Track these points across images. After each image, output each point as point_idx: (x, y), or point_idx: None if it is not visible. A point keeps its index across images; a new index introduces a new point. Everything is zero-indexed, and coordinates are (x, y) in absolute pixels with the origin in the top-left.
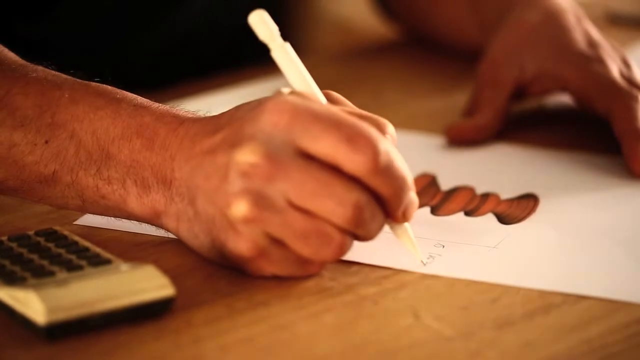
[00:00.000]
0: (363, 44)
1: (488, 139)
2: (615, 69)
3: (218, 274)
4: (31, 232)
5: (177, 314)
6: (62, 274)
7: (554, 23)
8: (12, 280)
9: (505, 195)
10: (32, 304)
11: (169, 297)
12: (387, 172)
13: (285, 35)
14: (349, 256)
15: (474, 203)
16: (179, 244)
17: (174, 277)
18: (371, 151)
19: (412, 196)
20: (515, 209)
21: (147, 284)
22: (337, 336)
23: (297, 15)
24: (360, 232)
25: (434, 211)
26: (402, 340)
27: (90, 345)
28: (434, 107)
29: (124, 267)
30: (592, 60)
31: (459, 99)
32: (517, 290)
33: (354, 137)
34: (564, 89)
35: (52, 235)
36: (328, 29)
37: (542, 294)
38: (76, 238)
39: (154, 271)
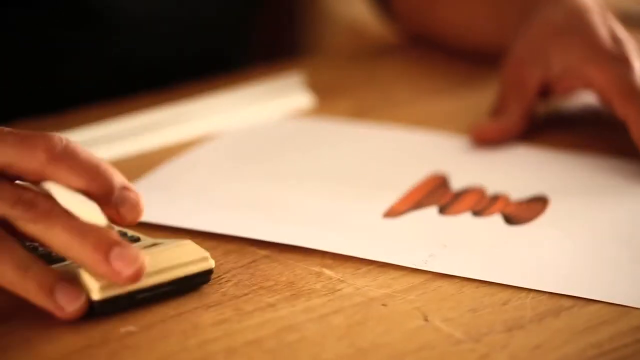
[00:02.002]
0: (372, 45)
1: (512, 140)
2: (638, 69)
3: (226, 276)
4: None
5: (184, 316)
6: None
7: (580, 21)
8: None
9: (515, 196)
10: (84, 282)
11: (210, 269)
12: (67, 160)
13: (294, 37)
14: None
15: (482, 204)
16: None
17: None
18: (43, 144)
19: (126, 194)
20: (524, 211)
21: (190, 257)
22: (346, 338)
23: (306, 16)
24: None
25: (442, 211)
26: (412, 343)
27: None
28: (445, 107)
29: (161, 242)
30: (616, 60)
31: (470, 98)
32: (527, 292)
33: (23, 140)
34: (588, 87)
35: None
36: (337, 30)
37: (552, 296)
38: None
39: (194, 245)
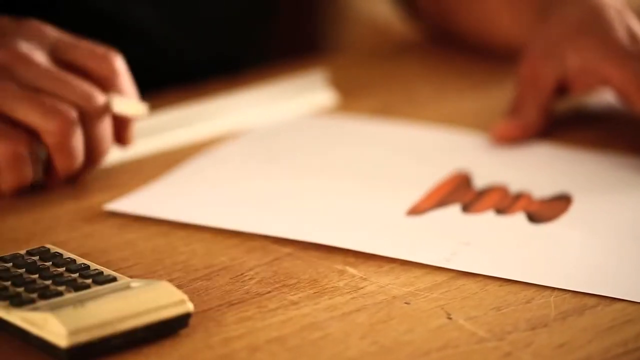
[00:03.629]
0: (394, 43)
1: (532, 138)
2: None
3: (249, 273)
4: (22, 252)
5: (207, 314)
6: (70, 294)
7: (597, 18)
8: (20, 302)
9: (538, 194)
10: (51, 327)
11: (188, 313)
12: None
13: (316, 34)
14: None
15: (505, 202)
16: (209, 243)
17: (205, 276)
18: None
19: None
20: (547, 209)
21: (166, 300)
22: (369, 336)
23: (329, 14)
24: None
25: (465, 209)
26: (435, 341)
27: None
28: (468, 105)
29: (136, 283)
30: (633, 57)
31: (493, 96)
32: (550, 291)
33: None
34: (606, 85)
35: (45, 253)
36: (359, 27)
37: (576, 295)
38: (71, 255)
39: (170, 287)
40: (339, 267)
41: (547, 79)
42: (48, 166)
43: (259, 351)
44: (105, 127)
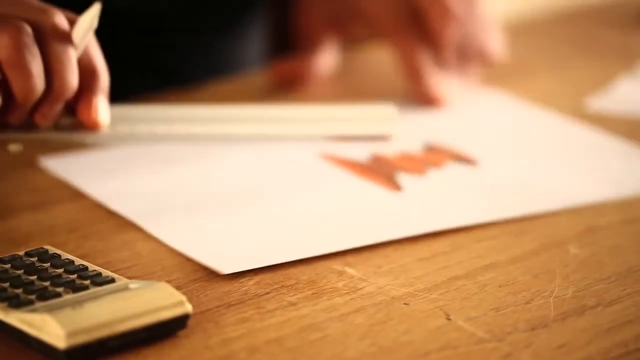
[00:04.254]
0: None
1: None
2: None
3: (248, 274)
4: (21, 253)
5: (206, 315)
6: (68, 295)
7: None
8: (18, 304)
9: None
10: (49, 328)
11: (186, 314)
12: None
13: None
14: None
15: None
16: None
17: (203, 277)
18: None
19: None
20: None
21: (164, 302)
22: (368, 337)
23: None
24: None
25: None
26: (434, 342)
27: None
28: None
29: (135, 285)
30: None
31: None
32: (550, 291)
33: None
34: (369, 21)
35: (44, 254)
36: None
37: (576, 295)
38: (70, 256)
39: (169, 288)
40: (338, 267)
41: (318, 24)
42: (7, 100)
43: (258, 352)
44: (66, 50)
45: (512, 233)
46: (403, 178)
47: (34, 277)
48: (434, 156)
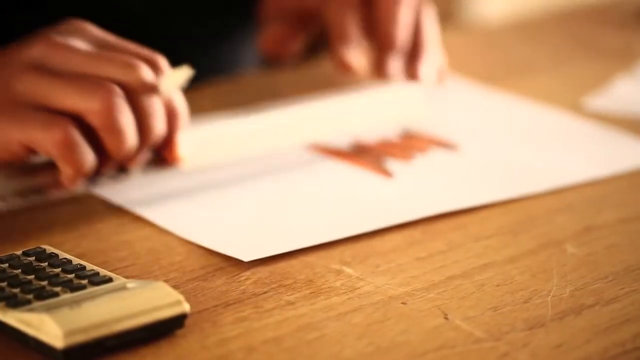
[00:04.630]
0: None
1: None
2: None
3: (245, 274)
4: (19, 252)
5: (203, 314)
6: (66, 295)
7: None
8: (16, 303)
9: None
10: (47, 328)
11: (184, 314)
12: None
13: None
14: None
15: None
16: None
17: (201, 277)
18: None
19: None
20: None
21: (161, 301)
22: (365, 337)
23: None
24: None
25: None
26: (432, 342)
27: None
28: None
29: (132, 284)
30: None
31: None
32: (548, 291)
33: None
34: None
35: (41, 253)
36: None
37: (574, 294)
38: (67, 256)
39: (166, 288)
40: (336, 267)
41: (289, 8)
42: (100, 154)
43: (255, 352)
44: (154, 101)
45: (509, 232)
46: (391, 164)
47: (31, 277)
48: (416, 142)
